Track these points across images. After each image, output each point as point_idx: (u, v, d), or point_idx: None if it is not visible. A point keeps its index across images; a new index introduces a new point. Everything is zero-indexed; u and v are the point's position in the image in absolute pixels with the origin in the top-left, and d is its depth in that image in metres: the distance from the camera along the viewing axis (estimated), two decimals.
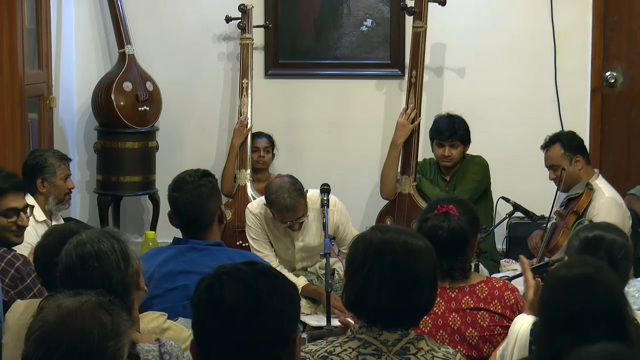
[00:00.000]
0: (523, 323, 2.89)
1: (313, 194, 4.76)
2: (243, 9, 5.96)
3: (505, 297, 3.20)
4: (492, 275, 3.88)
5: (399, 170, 5.56)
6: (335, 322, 3.92)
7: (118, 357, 2.00)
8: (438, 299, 3.16)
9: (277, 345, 1.96)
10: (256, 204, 4.86)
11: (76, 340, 1.94)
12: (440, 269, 3.17)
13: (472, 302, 3.18)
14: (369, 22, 6.14)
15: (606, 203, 4.71)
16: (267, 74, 6.24)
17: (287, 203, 4.53)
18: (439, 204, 3.23)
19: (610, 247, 2.96)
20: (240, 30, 5.99)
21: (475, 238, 3.30)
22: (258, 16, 6.09)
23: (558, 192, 4.88)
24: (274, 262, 4.76)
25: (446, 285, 3.21)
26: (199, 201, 3.51)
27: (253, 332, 1.93)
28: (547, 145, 5.00)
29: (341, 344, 2.48)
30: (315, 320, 4.45)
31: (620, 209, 4.78)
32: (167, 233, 4.54)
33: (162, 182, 6.07)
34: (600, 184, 4.88)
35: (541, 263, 3.96)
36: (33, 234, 4.18)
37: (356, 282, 2.50)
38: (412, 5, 5.58)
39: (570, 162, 4.90)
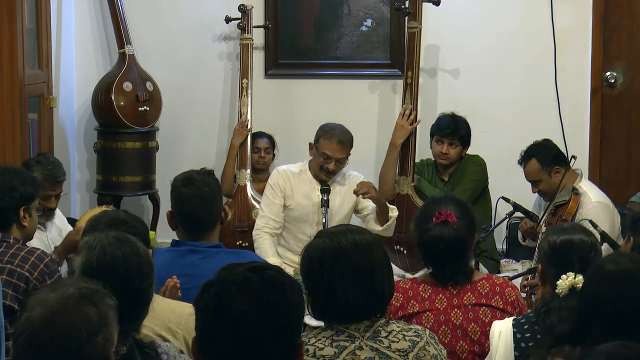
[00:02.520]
0: (502, 326, 2.98)
1: (353, 172, 5.07)
2: (243, 9, 5.96)
3: (506, 294, 3.25)
4: None
5: (397, 171, 5.56)
6: None
7: (109, 346, 1.99)
8: (440, 295, 3.23)
9: (284, 355, 1.97)
10: (288, 165, 5.11)
11: (65, 339, 1.93)
12: (443, 276, 3.24)
13: (473, 298, 3.22)
14: (369, 22, 6.14)
15: (593, 208, 4.69)
16: (267, 74, 6.25)
17: (341, 137, 4.92)
18: (436, 208, 3.24)
19: (581, 249, 2.97)
20: (240, 31, 6.00)
21: (473, 238, 3.34)
22: (258, 16, 6.09)
23: (549, 203, 4.87)
24: (270, 225, 4.94)
25: (449, 287, 3.25)
26: (209, 198, 3.52)
27: (261, 344, 1.93)
28: (524, 160, 4.98)
29: (315, 335, 2.59)
30: (315, 320, 4.45)
31: (608, 209, 4.78)
32: (167, 233, 4.53)
33: (162, 182, 6.07)
34: (585, 186, 4.86)
35: (531, 268, 4.00)
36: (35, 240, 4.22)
37: (320, 292, 2.58)
38: (407, 6, 5.59)
39: (549, 175, 4.89)
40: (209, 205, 3.52)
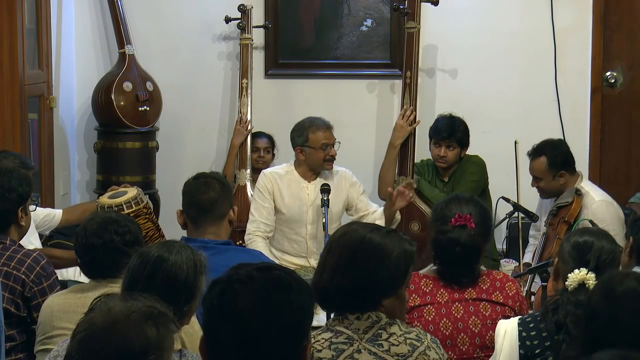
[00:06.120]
0: (507, 325, 2.99)
1: (341, 168, 5.08)
2: (243, 9, 5.96)
3: (507, 288, 3.29)
4: None
5: (396, 172, 5.56)
6: None
7: None
8: (441, 290, 3.27)
9: (288, 355, 1.97)
10: (274, 168, 5.14)
11: (116, 348, 1.94)
12: (450, 275, 3.28)
13: (474, 293, 3.27)
14: (369, 22, 6.14)
15: (599, 207, 4.71)
16: (267, 74, 6.25)
17: (326, 122, 5.02)
18: (457, 209, 3.26)
19: (599, 252, 3.01)
20: (240, 31, 6.00)
21: (487, 245, 3.38)
22: (258, 16, 6.09)
23: (542, 200, 4.89)
24: (261, 229, 4.98)
25: (451, 284, 3.28)
26: (218, 188, 3.67)
27: (264, 343, 1.94)
28: (533, 155, 4.97)
29: (314, 336, 2.58)
30: (316, 320, 4.45)
31: (613, 207, 4.80)
32: (167, 233, 4.54)
33: (162, 182, 6.08)
34: (587, 186, 4.87)
35: (540, 263, 3.98)
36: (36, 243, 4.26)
37: (322, 273, 2.67)
38: (405, 6, 5.59)
39: (553, 177, 4.89)
40: (216, 194, 3.64)
